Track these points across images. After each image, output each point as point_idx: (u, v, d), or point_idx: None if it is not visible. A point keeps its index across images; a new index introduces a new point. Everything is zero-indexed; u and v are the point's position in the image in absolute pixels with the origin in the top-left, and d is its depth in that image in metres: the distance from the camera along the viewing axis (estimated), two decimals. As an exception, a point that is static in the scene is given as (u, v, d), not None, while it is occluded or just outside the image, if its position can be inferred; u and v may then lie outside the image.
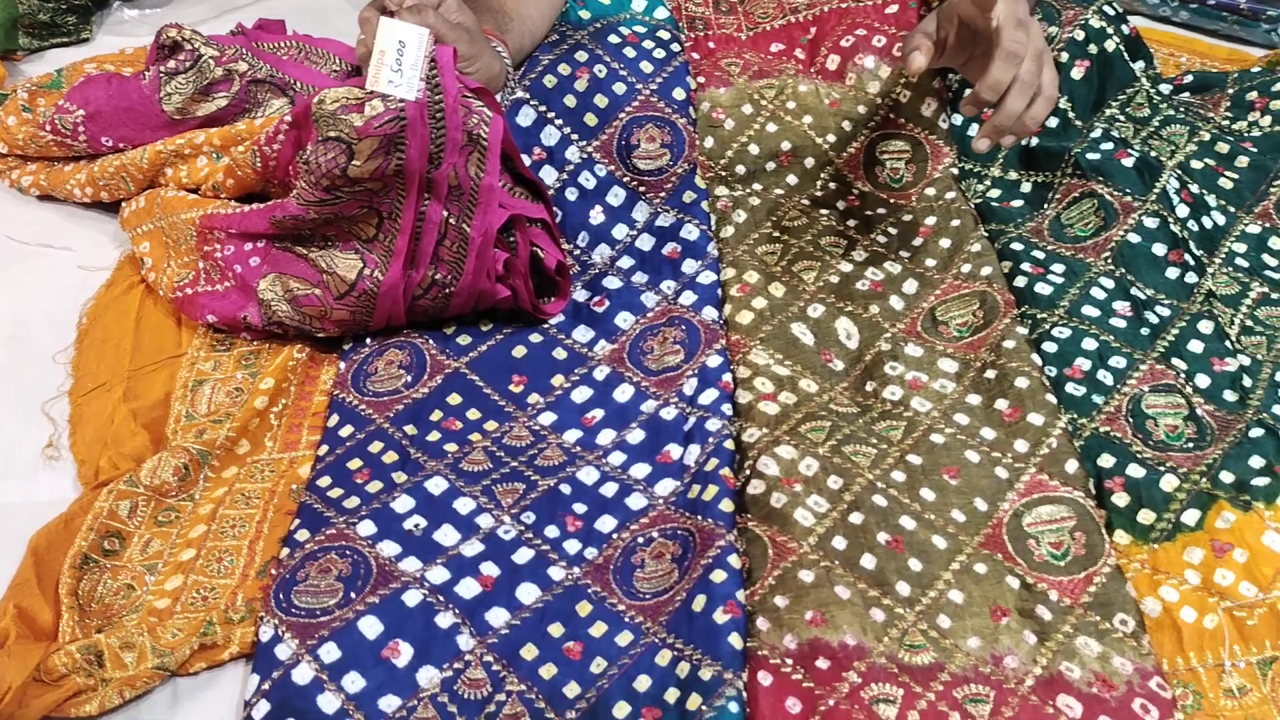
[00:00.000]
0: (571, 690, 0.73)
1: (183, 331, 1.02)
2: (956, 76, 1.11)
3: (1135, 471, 0.82)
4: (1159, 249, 0.97)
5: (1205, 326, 0.92)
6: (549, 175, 1.05)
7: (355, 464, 0.88)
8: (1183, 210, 1.01)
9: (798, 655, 0.72)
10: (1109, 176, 1.02)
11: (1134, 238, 0.97)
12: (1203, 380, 0.88)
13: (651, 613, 0.76)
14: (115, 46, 1.36)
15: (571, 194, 1.05)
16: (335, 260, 0.92)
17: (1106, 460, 0.83)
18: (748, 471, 0.83)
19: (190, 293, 1.00)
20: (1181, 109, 1.14)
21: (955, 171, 1.09)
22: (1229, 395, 0.87)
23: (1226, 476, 0.81)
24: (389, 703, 0.72)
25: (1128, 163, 1.02)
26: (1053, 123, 1.08)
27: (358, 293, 0.92)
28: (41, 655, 0.73)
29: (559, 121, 1.05)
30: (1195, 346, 0.90)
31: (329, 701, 0.72)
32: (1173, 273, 0.95)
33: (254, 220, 0.95)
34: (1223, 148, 1.10)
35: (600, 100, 1.06)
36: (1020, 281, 0.96)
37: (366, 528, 0.82)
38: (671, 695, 0.71)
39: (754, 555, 0.78)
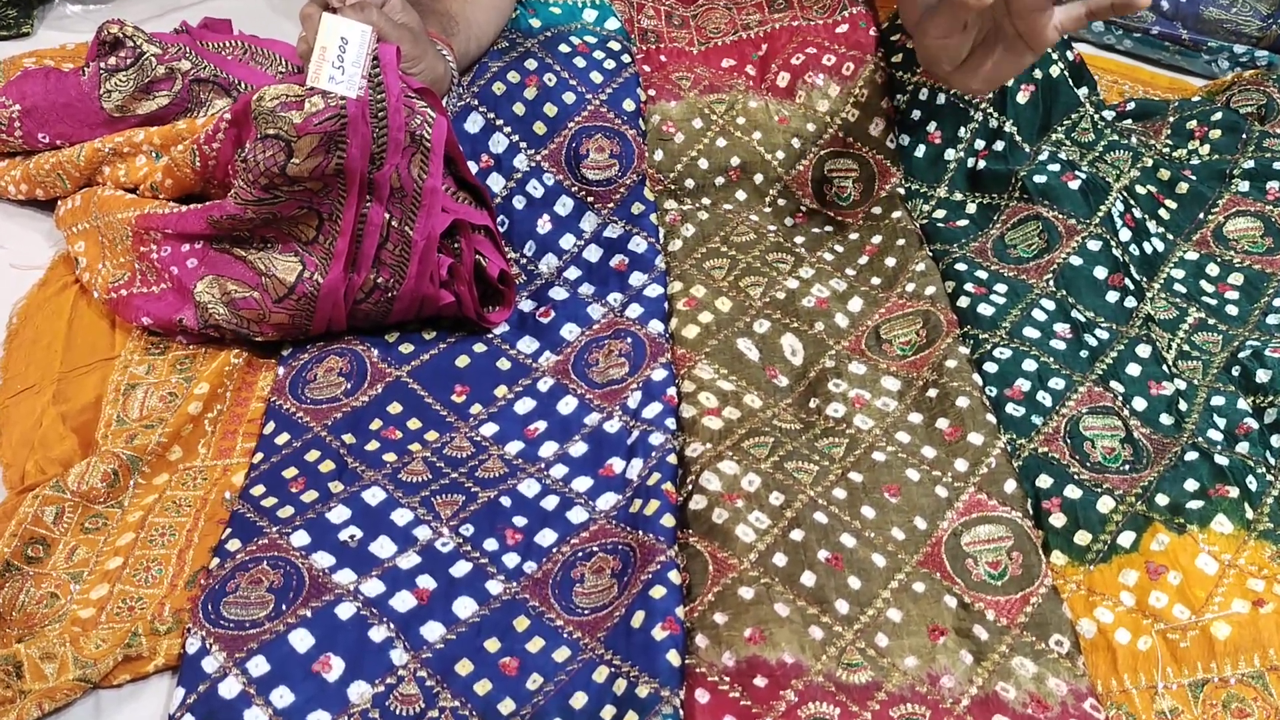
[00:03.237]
0: (506, 707, 0.72)
1: (116, 334, 0.99)
2: (904, 98, 1.12)
3: (1072, 493, 0.82)
4: (1100, 272, 0.98)
5: (1143, 350, 0.93)
6: (496, 183, 1.04)
7: (291, 472, 0.86)
8: (1125, 234, 1.03)
9: (736, 673, 0.72)
10: (1054, 200, 1.03)
11: (1076, 260, 0.98)
12: (1139, 403, 0.89)
13: (590, 628, 0.75)
14: (56, 41, 1.34)
15: (519, 202, 1.04)
16: (274, 262, 0.91)
17: (1044, 481, 0.83)
18: (690, 486, 0.82)
19: (125, 294, 0.97)
20: (1125, 135, 1.16)
21: (902, 191, 1.10)
22: (1165, 419, 0.88)
23: (1161, 499, 0.82)
24: (319, 718, 0.71)
25: (1074, 185, 1.03)
26: (999, 146, 1.09)
27: (297, 295, 0.91)
28: (-44, 666, 0.71)
29: (507, 129, 1.05)
30: (1133, 370, 0.91)
31: (256, 716, 0.70)
32: (1112, 296, 0.97)
33: (191, 220, 0.93)
34: (1164, 174, 1.12)
35: (549, 109, 1.06)
36: (963, 301, 0.96)
37: (300, 538, 0.80)
38: (608, 713, 0.70)
39: (694, 571, 0.77)
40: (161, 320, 0.96)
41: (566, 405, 0.91)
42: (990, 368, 0.91)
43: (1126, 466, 0.85)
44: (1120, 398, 0.89)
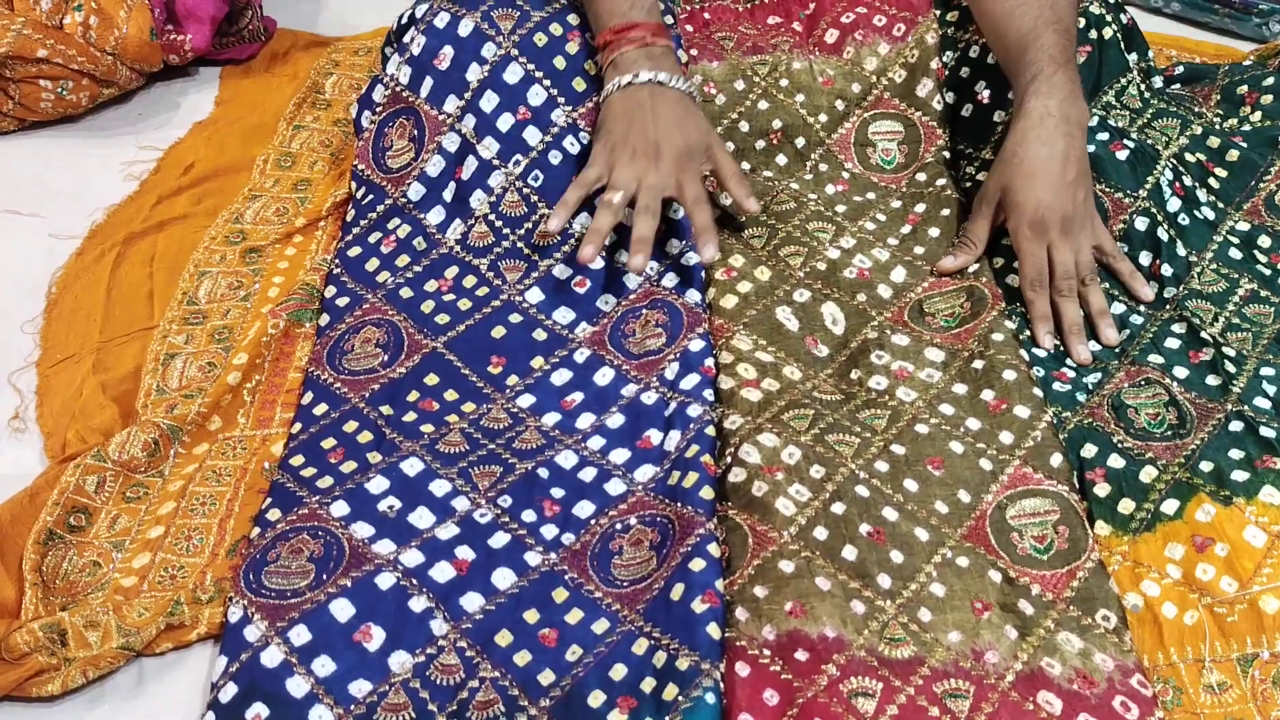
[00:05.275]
0: (546, 678, 0.72)
1: (154, 303, 1.00)
2: (954, 55, 1.09)
3: (1116, 462, 0.81)
4: (1144, 258, 0.97)
5: (1178, 328, 0.92)
6: (533, 136, 1.02)
7: (329, 443, 0.86)
8: (1174, 204, 1.01)
9: (776, 646, 0.71)
10: (1102, 172, 1.00)
11: (1121, 246, 0.97)
12: (1181, 372, 0.88)
13: (629, 600, 0.75)
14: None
15: (555, 157, 1.03)
16: None
17: (1089, 450, 0.82)
18: (729, 459, 0.82)
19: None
20: (1173, 103, 1.13)
21: (947, 155, 1.08)
22: (1211, 380, 0.87)
23: (1205, 466, 0.81)
24: (359, 687, 0.71)
25: (1121, 156, 1.01)
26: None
27: None
28: (3, 633, 0.72)
29: (547, 82, 1.03)
30: (1171, 343, 0.91)
31: (298, 685, 0.71)
32: (1154, 286, 0.96)
33: None
34: (1214, 142, 1.09)
35: (590, 66, 1.04)
36: (1010, 279, 0.95)
37: (340, 508, 0.80)
38: (648, 685, 0.70)
39: (734, 544, 0.77)
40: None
41: (603, 376, 0.91)
42: (1039, 352, 0.90)
43: (1170, 432, 0.83)
44: (1160, 369, 0.88)
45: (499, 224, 1.02)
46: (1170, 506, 0.79)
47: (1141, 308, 0.95)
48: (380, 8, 1.42)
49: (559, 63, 1.03)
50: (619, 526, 0.80)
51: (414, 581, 0.76)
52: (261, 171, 1.15)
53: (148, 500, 0.85)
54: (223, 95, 1.28)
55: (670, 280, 0.97)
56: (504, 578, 0.77)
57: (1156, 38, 1.36)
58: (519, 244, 1.01)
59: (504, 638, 0.74)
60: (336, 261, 1.01)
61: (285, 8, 1.40)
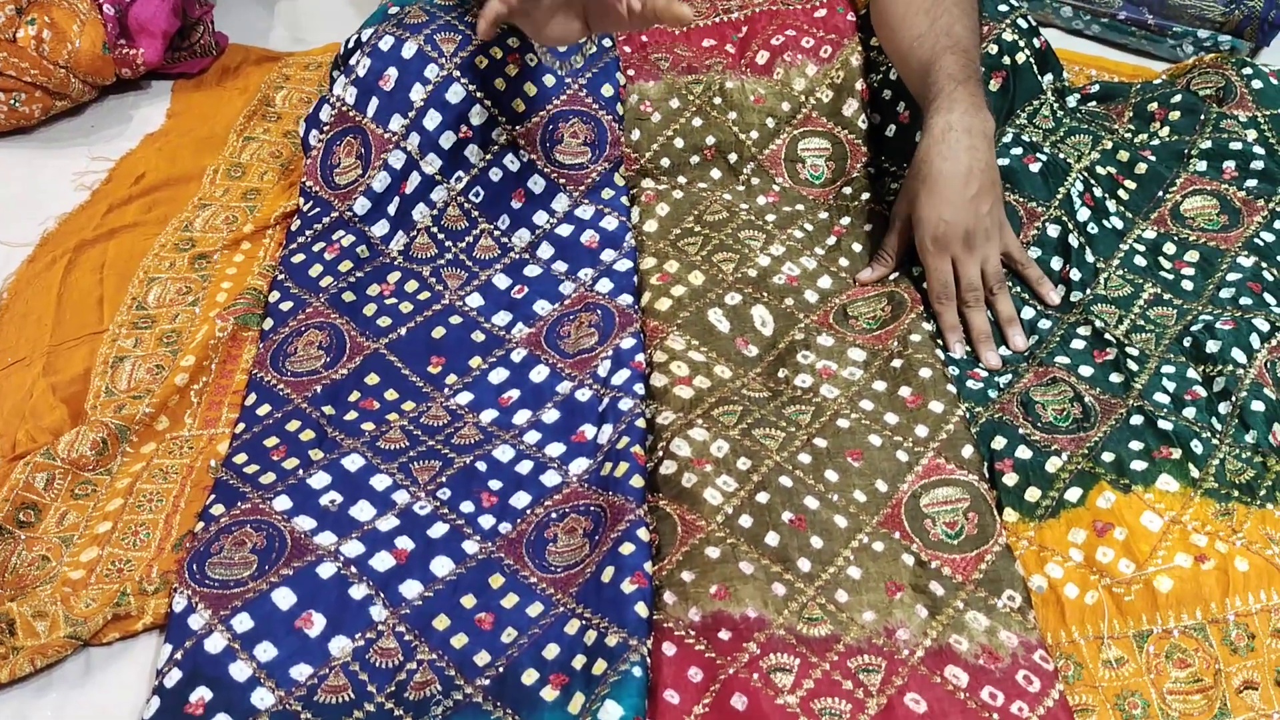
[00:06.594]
0: (482, 659, 0.75)
1: (104, 308, 1.02)
2: (877, 77, 1.15)
3: (1023, 453, 0.86)
4: (1055, 263, 1.02)
5: (1084, 330, 0.97)
6: (474, 154, 1.06)
7: (272, 442, 0.89)
8: (1084, 213, 1.06)
9: (701, 627, 0.75)
10: (1016, 183, 1.05)
11: (1034, 252, 1.02)
12: (1086, 370, 0.93)
13: (562, 585, 0.78)
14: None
15: (495, 175, 1.07)
16: None
17: (999, 442, 0.87)
18: (660, 453, 0.85)
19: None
20: (1085, 120, 1.19)
21: (872, 170, 1.13)
22: (1115, 378, 0.92)
23: (1107, 456, 0.85)
24: (300, 671, 0.74)
25: (1035, 168, 1.06)
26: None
27: None
28: (-49, 622, 0.74)
29: (488, 102, 1.07)
30: (1077, 344, 0.96)
31: (241, 670, 0.73)
32: (1061, 290, 1.01)
33: None
34: (1123, 156, 1.15)
35: (529, 89, 1.08)
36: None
37: (282, 503, 0.83)
38: (578, 662, 0.73)
39: (664, 532, 0.80)
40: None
41: (539, 374, 0.94)
42: (954, 354, 0.95)
43: (1075, 426, 0.88)
44: (1066, 369, 0.93)
45: (441, 236, 1.06)
46: (1074, 494, 0.84)
47: (1050, 312, 1.00)
48: (330, 25, 1.45)
49: (499, 84, 1.08)
50: (554, 516, 0.83)
51: (354, 570, 0.79)
52: (212, 181, 1.17)
53: (96, 497, 0.87)
54: (174, 108, 1.31)
55: (604, 285, 1.01)
56: (442, 565, 0.80)
57: (1078, 57, 1.42)
58: (460, 255, 1.05)
59: (441, 622, 0.77)
60: (280, 268, 1.04)
61: (237, 23, 1.43)
